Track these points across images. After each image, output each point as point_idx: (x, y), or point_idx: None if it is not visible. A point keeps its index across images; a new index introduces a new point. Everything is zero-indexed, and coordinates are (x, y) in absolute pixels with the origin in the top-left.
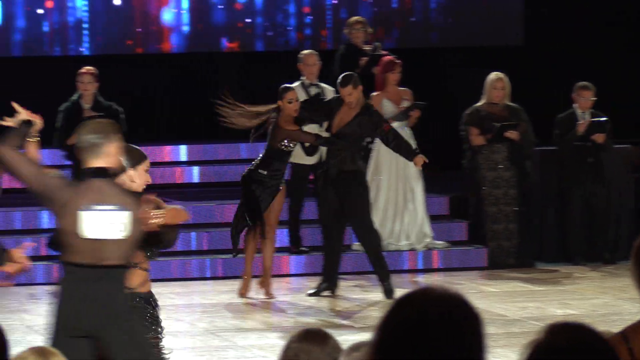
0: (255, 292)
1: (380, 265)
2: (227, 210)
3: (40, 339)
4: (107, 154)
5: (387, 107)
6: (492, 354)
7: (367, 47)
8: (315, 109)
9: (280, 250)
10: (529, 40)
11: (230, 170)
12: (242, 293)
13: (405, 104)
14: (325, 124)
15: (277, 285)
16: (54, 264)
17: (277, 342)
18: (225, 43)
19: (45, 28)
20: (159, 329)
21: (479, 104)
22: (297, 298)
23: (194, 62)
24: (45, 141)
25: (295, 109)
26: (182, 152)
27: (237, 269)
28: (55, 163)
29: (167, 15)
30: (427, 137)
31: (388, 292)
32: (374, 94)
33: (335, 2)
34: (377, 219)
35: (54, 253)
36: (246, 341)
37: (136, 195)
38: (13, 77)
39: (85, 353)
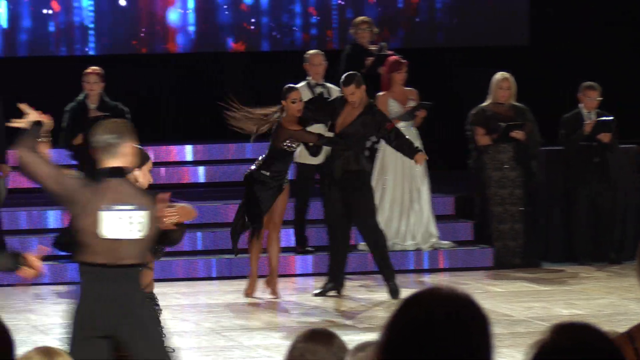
0: (262, 292)
1: (385, 265)
2: (233, 210)
3: (46, 339)
4: (123, 153)
5: (393, 107)
6: (497, 354)
7: (373, 47)
8: (318, 108)
9: (286, 250)
10: (535, 40)
11: (237, 170)
12: (248, 293)
13: (411, 104)
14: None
15: (282, 285)
16: (59, 264)
17: (282, 342)
18: (231, 43)
19: (51, 28)
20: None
21: (484, 103)
22: (302, 298)
23: (200, 62)
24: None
25: (298, 109)
26: (188, 152)
27: (243, 269)
28: (61, 163)
29: (172, 16)
30: (432, 137)
31: (393, 292)
32: (380, 94)
33: (341, 2)
34: (382, 218)
35: (59, 253)
36: (252, 341)
37: (152, 194)
38: (19, 77)
39: (103, 353)
